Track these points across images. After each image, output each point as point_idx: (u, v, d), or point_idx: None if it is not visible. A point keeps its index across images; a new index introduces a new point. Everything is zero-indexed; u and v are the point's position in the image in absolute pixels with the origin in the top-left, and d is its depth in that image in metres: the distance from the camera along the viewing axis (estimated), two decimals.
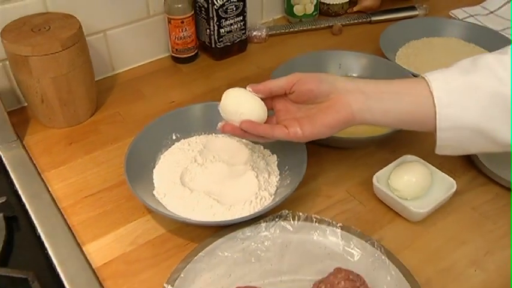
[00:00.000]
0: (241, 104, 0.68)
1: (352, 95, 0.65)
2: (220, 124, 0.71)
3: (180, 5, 0.98)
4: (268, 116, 0.70)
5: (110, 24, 0.97)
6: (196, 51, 1.06)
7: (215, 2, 0.97)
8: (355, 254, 0.66)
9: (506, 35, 1.07)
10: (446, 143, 0.66)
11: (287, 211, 0.70)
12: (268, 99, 0.70)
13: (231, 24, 1.03)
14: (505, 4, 1.23)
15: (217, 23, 1.00)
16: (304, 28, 1.17)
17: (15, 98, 0.93)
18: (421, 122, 0.66)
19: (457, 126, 0.64)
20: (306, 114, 0.67)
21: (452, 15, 1.19)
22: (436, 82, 0.64)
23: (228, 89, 0.72)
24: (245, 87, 0.70)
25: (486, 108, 0.62)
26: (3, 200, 0.72)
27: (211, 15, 0.99)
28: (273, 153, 0.80)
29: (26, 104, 0.93)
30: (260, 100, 0.69)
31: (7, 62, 0.86)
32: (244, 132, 0.68)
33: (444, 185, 0.73)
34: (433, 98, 0.63)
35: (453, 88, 0.64)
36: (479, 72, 0.64)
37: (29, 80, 0.82)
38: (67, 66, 0.82)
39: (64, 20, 0.85)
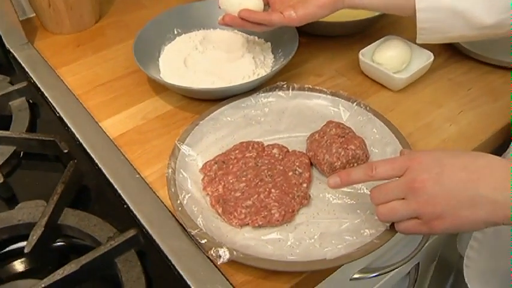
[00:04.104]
0: None
1: None
2: (220, 17, 0.76)
3: None
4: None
5: None
6: None
7: None
8: (344, 114, 0.74)
9: None
10: (426, 25, 0.72)
11: (282, 82, 0.77)
12: None
13: None
14: None
15: None
16: None
17: (20, 9, 0.98)
18: (403, 2, 0.72)
19: (434, 6, 0.70)
20: (298, 0, 0.74)
21: None
22: None
23: None
24: None
25: None
26: (24, 85, 0.78)
27: None
28: (266, 41, 0.87)
29: (32, 15, 0.99)
30: None
31: None
32: (242, 20, 0.74)
33: (423, 58, 0.81)
34: None
35: None
36: None
37: None
38: None
39: None
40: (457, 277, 1.02)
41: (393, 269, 0.74)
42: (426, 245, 0.77)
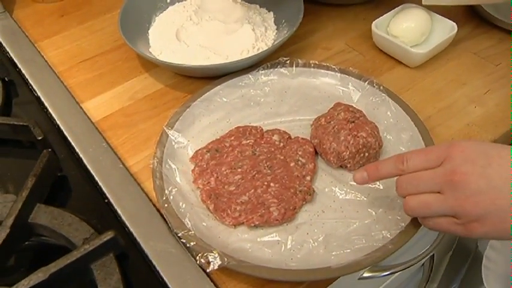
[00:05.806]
0: None
1: None
2: None
3: None
4: None
5: None
6: None
7: None
8: (354, 95, 0.66)
9: None
10: None
11: (285, 58, 0.69)
12: None
13: None
14: None
15: None
16: None
17: None
18: None
19: None
20: None
21: None
22: None
23: None
24: None
25: None
26: None
27: None
28: (269, 11, 0.78)
29: None
30: None
31: None
32: None
33: (445, 29, 0.72)
34: None
35: None
36: None
37: None
38: None
39: None
40: (471, 265, 0.95)
41: (408, 267, 0.67)
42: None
